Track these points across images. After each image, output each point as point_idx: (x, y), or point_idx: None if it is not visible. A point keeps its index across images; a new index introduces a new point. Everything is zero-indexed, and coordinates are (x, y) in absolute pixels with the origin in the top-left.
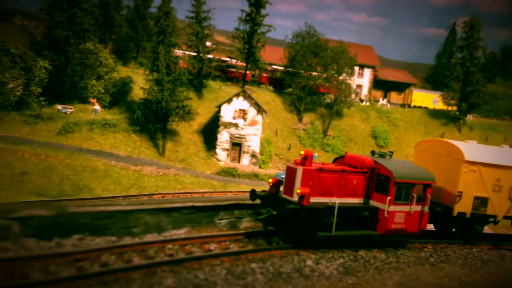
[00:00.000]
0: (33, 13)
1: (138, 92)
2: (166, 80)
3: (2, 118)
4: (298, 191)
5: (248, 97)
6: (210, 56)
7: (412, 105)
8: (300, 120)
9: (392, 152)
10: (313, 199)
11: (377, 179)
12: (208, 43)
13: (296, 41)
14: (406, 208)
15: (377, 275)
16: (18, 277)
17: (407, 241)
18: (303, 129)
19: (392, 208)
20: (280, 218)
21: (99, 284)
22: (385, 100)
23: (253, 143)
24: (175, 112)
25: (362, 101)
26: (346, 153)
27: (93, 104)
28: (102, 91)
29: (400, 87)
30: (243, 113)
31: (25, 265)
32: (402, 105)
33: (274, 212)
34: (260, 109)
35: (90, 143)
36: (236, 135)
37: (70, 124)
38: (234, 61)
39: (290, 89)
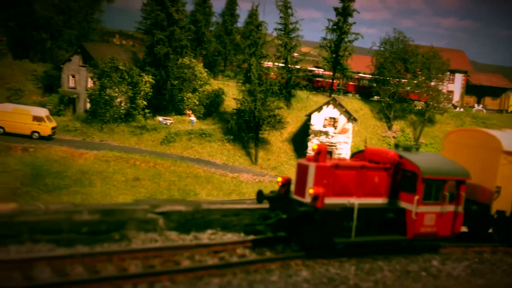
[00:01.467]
0: (130, 33)
1: (229, 103)
2: (258, 90)
3: (112, 130)
4: (311, 191)
5: (338, 105)
6: (298, 66)
7: (510, 110)
8: (389, 127)
9: (419, 145)
10: (328, 200)
11: (403, 176)
12: (294, 54)
13: (385, 48)
14: (437, 208)
15: (505, 277)
16: (172, 264)
17: (439, 245)
18: (393, 137)
19: (421, 209)
20: (291, 223)
21: (243, 273)
22: (481, 105)
23: (343, 150)
24: (267, 121)
25: (455, 107)
26: (366, 146)
27: (189, 115)
28: (197, 103)
29: (495, 92)
30: (333, 121)
31: (175, 254)
32: (499, 111)
33: (284, 216)
34: (350, 117)
35: (190, 151)
36: (327, 143)
37: (171, 134)
38: (321, 70)
39: (377, 97)
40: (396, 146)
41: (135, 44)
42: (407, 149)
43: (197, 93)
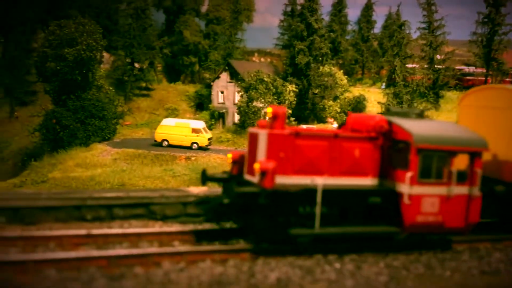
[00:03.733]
0: (268, 51)
1: (371, 108)
2: (403, 92)
3: None
4: (257, 166)
5: None
6: (443, 66)
7: None
8: None
9: (423, 110)
10: (284, 179)
11: (394, 148)
12: (437, 56)
13: None
14: (441, 190)
15: None
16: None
17: (451, 240)
18: None
19: (417, 190)
20: (239, 209)
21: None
22: None
23: None
24: None
25: None
26: (349, 113)
27: (330, 123)
28: (339, 110)
29: None
30: None
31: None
32: None
33: (226, 201)
34: None
35: None
36: None
37: None
38: (471, 68)
39: None
40: (387, 110)
41: (273, 61)
42: (404, 114)
43: (338, 101)
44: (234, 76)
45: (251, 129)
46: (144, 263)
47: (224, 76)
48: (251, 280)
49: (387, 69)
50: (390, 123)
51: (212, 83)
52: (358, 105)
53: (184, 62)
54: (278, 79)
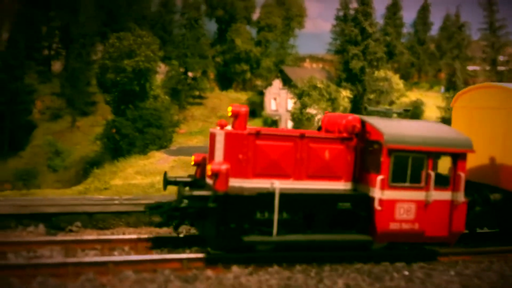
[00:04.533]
0: (320, 56)
1: (429, 114)
2: None
3: None
4: (209, 167)
5: None
6: (507, 67)
7: None
8: None
9: (408, 110)
10: (241, 182)
11: (368, 150)
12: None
13: None
14: (418, 195)
15: None
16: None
17: (437, 252)
18: None
19: (389, 194)
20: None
21: None
22: None
23: None
24: None
25: None
26: (326, 113)
27: None
28: (395, 115)
29: None
30: None
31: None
32: None
33: (174, 204)
34: None
35: None
36: None
37: None
38: None
39: None
40: (365, 109)
41: (325, 67)
42: (384, 114)
43: (394, 105)
44: (287, 82)
45: (211, 129)
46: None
47: (277, 83)
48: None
49: (446, 72)
50: (363, 123)
51: (264, 90)
52: (415, 110)
53: (236, 70)
54: (331, 85)
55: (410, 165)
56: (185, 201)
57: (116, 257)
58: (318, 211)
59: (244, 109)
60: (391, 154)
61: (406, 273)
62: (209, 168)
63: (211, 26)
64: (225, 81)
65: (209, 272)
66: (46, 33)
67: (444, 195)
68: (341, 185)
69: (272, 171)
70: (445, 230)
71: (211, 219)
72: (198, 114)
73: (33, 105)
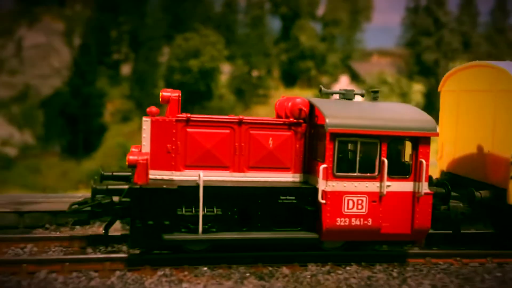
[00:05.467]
0: (388, 50)
1: None
2: None
3: None
4: (127, 158)
5: None
6: None
7: None
8: None
9: (377, 90)
10: (168, 174)
11: (317, 136)
12: None
13: None
14: (370, 186)
15: None
16: None
17: (405, 253)
18: None
19: (335, 185)
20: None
21: None
22: None
23: None
24: None
25: None
26: (282, 97)
27: None
28: None
29: None
30: None
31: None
32: None
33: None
34: None
35: None
36: None
37: None
38: None
39: None
40: (320, 91)
41: (394, 60)
42: (343, 95)
43: None
44: (355, 78)
45: (144, 117)
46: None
47: (344, 79)
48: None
49: None
50: (312, 106)
51: (330, 87)
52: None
53: (301, 67)
54: (402, 79)
55: (359, 151)
56: (109, 197)
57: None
58: (256, 207)
59: (176, 94)
60: (335, 139)
61: (499, 274)
62: (128, 159)
63: (275, 24)
64: (290, 79)
65: (285, 270)
66: (115, 37)
67: (404, 185)
68: (289, 177)
69: (206, 162)
70: (406, 226)
71: (133, 214)
72: (263, 113)
73: (104, 108)
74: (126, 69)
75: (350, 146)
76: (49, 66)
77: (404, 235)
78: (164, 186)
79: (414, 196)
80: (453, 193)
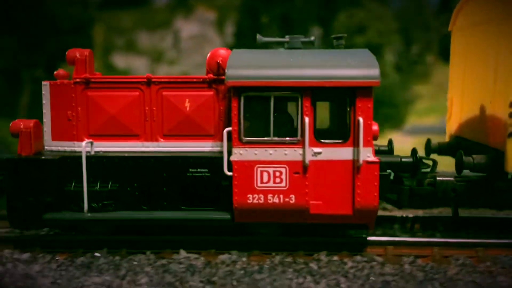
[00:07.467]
0: None
1: None
2: None
3: None
4: (12, 126)
5: None
6: None
7: None
8: None
9: (340, 36)
10: (69, 146)
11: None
12: None
13: None
14: (290, 153)
15: None
16: None
17: (363, 238)
18: None
19: (242, 153)
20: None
21: None
22: None
23: None
24: None
25: None
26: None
27: None
28: None
29: None
30: None
31: None
32: None
33: None
34: None
35: None
36: None
37: None
38: None
39: None
40: (259, 39)
41: None
42: (289, 44)
43: None
44: None
45: (43, 82)
46: None
47: None
48: None
49: None
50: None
51: None
52: None
53: None
54: None
55: (273, 110)
56: None
57: None
58: (160, 182)
59: (85, 53)
60: (240, 94)
61: None
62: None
63: None
64: (447, 54)
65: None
66: (267, 22)
67: (340, 152)
68: (213, 146)
69: (112, 130)
70: (346, 206)
71: (10, 190)
72: (423, 92)
73: None
74: None
75: (260, 104)
76: (203, 55)
77: (343, 217)
78: (42, 158)
79: (354, 166)
80: (426, 162)
